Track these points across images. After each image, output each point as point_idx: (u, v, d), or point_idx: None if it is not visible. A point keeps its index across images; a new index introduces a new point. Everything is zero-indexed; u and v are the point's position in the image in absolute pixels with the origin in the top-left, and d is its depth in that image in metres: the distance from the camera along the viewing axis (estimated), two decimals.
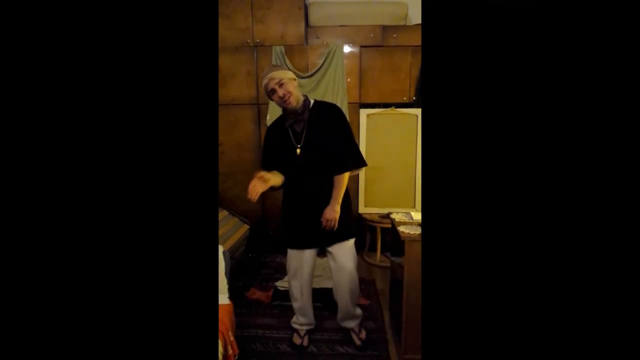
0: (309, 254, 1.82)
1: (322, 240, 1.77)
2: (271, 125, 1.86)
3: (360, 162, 1.75)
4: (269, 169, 1.74)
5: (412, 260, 1.70)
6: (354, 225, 1.87)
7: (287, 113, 1.71)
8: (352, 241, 1.81)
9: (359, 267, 1.91)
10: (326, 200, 1.70)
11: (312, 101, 1.75)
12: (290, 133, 1.73)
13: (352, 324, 1.94)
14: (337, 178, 1.71)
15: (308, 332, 1.99)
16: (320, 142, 1.69)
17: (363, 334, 1.96)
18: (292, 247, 1.84)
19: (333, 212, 1.68)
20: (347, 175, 1.72)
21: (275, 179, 1.68)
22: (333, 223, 1.69)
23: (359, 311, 1.94)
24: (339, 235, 1.76)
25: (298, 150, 1.71)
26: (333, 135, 1.69)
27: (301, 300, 1.92)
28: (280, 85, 1.61)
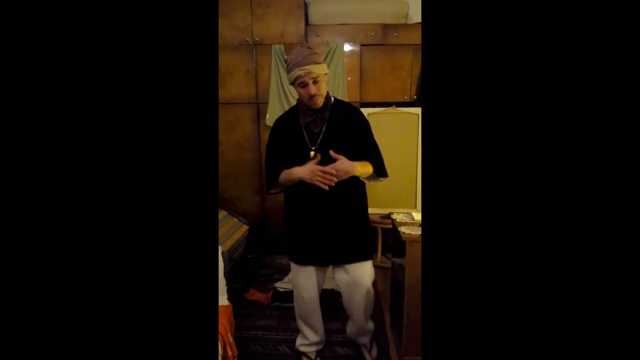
0: (316, 272, 1.61)
1: (336, 258, 1.55)
2: (280, 119, 1.60)
3: (383, 173, 1.55)
4: (275, 171, 1.53)
5: (413, 261, 1.68)
6: (372, 245, 1.66)
7: (305, 109, 1.48)
8: (369, 262, 1.61)
9: None
10: (341, 210, 1.50)
11: (332, 98, 1.53)
12: (305, 133, 1.50)
13: (364, 339, 1.78)
14: (364, 162, 1.49)
15: (318, 352, 1.78)
16: (338, 146, 1.43)
17: (375, 350, 1.80)
18: (299, 263, 1.61)
19: (349, 167, 1.40)
20: (370, 169, 1.51)
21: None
22: (342, 174, 1.39)
23: (371, 325, 1.77)
24: (356, 256, 1.55)
25: (312, 154, 1.46)
26: (354, 141, 1.48)
27: (307, 320, 1.71)
28: (315, 82, 1.38)
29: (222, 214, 2.82)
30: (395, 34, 2.85)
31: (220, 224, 2.62)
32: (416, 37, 2.84)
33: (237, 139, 3.00)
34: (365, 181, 1.57)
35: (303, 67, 1.36)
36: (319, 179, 1.38)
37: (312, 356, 1.78)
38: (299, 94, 1.44)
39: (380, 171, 1.54)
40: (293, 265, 1.66)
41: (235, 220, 2.85)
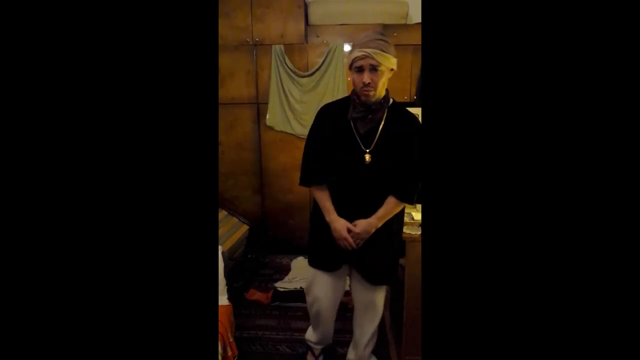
0: (338, 279, 1.48)
1: (358, 270, 1.45)
2: (327, 107, 1.43)
3: (415, 199, 1.39)
4: (316, 169, 1.39)
5: (413, 261, 1.68)
6: (395, 271, 1.51)
7: (355, 103, 1.32)
8: (385, 288, 1.54)
9: None
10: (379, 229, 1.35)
11: (391, 100, 1.37)
12: (355, 131, 1.33)
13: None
14: (393, 201, 1.35)
15: (323, 350, 1.75)
16: (393, 153, 1.31)
17: None
18: (319, 268, 1.47)
19: (369, 227, 1.31)
20: (399, 207, 1.38)
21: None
22: (359, 241, 1.33)
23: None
24: (376, 278, 1.44)
25: (367, 157, 1.30)
26: (407, 150, 1.31)
27: (320, 328, 1.62)
28: (374, 70, 1.23)
29: (222, 214, 2.82)
30: (395, 34, 2.85)
31: (220, 224, 2.62)
32: (416, 38, 2.83)
33: (237, 139, 3.00)
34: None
35: (364, 49, 1.20)
36: (344, 243, 1.32)
37: (317, 352, 1.76)
38: (353, 82, 1.28)
39: (411, 200, 1.38)
40: (313, 270, 1.51)
41: (235, 220, 2.85)
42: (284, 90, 2.87)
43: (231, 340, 1.54)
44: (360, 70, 1.24)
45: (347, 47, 2.84)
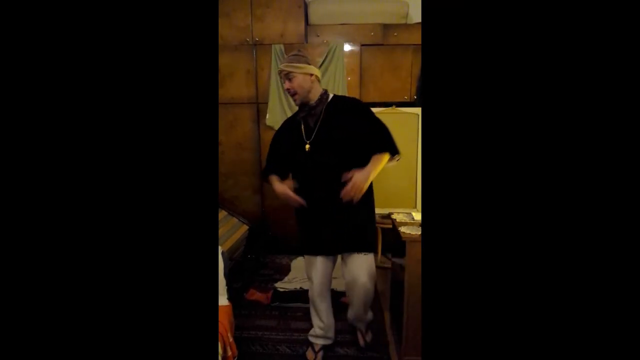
0: (321, 261, 1.67)
1: (334, 248, 1.64)
2: (287, 119, 1.76)
3: (396, 150, 1.55)
4: (273, 165, 1.71)
5: (413, 261, 1.68)
6: (372, 239, 1.69)
7: (300, 105, 1.60)
8: (369, 256, 1.64)
9: None
10: (336, 202, 1.51)
11: (330, 96, 1.62)
12: (302, 128, 1.62)
13: (360, 325, 1.90)
14: (374, 156, 1.51)
15: (323, 347, 1.84)
16: (332, 138, 1.54)
17: (369, 336, 1.94)
18: (305, 253, 1.72)
19: (363, 180, 1.44)
20: (385, 157, 1.52)
21: (286, 186, 1.62)
22: (355, 193, 1.45)
23: (370, 315, 1.88)
24: (353, 245, 1.61)
25: (307, 146, 1.57)
26: (353, 128, 1.53)
27: (316, 308, 1.78)
28: (289, 78, 1.54)
29: (222, 214, 2.81)
30: (395, 34, 2.85)
31: (220, 224, 2.62)
32: (416, 37, 2.83)
33: (237, 139, 3.00)
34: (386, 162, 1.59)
35: (280, 67, 1.57)
36: (289, 201, 1.58)
37: (317, 348, 1.83)
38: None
39: (393, 150, 1.55)
40: (306, 258, 1.75)
41: (235, 220, 2.85)
42: (283, 90, 2.87)
43: (231, 340, 1.54)
44: (283, 80, 1.58)
45: (347, 47, 2.84)
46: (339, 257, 1.72)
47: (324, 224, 1.60)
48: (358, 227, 1.60)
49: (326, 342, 1.84)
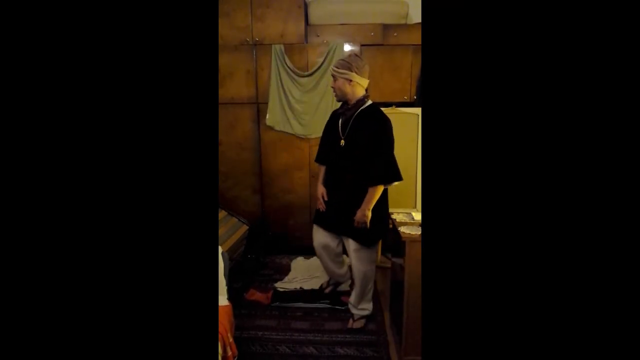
0: (321, 231, 2.08)
1: (333, 226, 2.02)
2: (334, 110, 2.06)
3: (392, 176, 1.82)
4: (321, 151, 2.07)
5: (413, 261, 1.68)
6: (374, 233, 1.92)
7: (341, 103, 1.92)
8: (362, 247, 1.91)
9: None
10: (346, 194, 1.87)
11: (368, 102, 1.89)
12: (340, 123, 1.92)
13: (352, 308, 2.08)
14: (371, 188, 1.80)
15: (332, 284, 2.37)
16: (354, 142, 1.84)
17: (360, 323, 2.08)
18: (313, 221, 2.14)
19: (362, 215, 1.81)
20: (380, 188, 1.81)
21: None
22: (362, 225, 1.83)
23: (369, 307, 2.09)
24: (347, 230, 1.92)
25: (342, 142, 1.88)
26: (368, 142, 1.80)
27: (323, 266, 2.24)
28: (334, 79, 1.85)
29: (222, 214, 2.81)
30: (395, 34, 2.85)
31: (220, 224, 2.62)
32: (416, 38, 2.83)
33: (237, 139, 3.00)
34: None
35: (332, 67, 1.88)
36: (318, 203, 2.03)
37: (329, 283, 2.40)
38: None
39: (382, 179, 1.80)
40: (314, 226, 2.13)
41: (235, 220, 2.84)
42: (283, 90, 2.87)
43: (231, 340, 1.54)
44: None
45: (347, 47, 2.84)
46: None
47: (331, 208, 1.96)
48: (347, 220, 1.88)
49: (334, 281, 2.35)
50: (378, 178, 1.79)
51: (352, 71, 1.80)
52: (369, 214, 1.80)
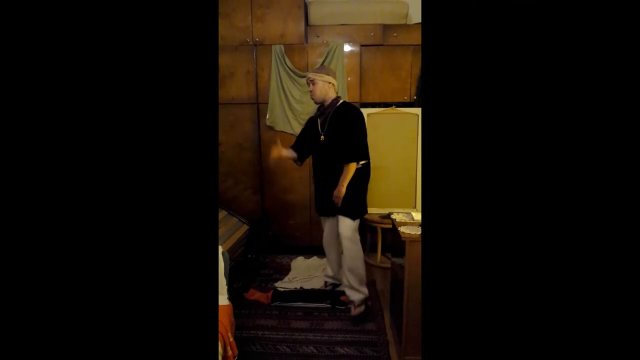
0: (328, 223, 2.34)
1: (327, 211, 2.27)
2: (311, 117, 2.37)
3: (361, 156, 2.13)
4: (296, 147, 2.31)
5: (412, 261, 1.68)
6: (355, 208, 2.20)
7: (318, 106, 2.22)
8: (350, 220, 2.17)
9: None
10: (335, 179, 2.12)
11: (341, 101, 2.19)
12: (319, 122, 2.22)
13: (349, 292, 2.24)
14: (344, 166, 2.10)
15: (332, 283, 2.53)
16: (331, 135, 2.15)
17: (359, 310, 2.18)
18: (319, 214, 2.39)
19: (337, 192, 2.11)
20: (352, 165, 2.09)
21: (289, 152, 2.28)
22: (337, 200, 2.11)
23: (364, 290, 2.22)
24: (337, 210, 2.20)
25: (322, 137, 2.19)
26: (344, 131, 2.10)
27: (328, 260, 2.48)
28: (312, 83, 2.14)
29: (222, 214, 2.81)
30: (395, 34, 2.85)
31: (220, 224, 2.62)
32: (416, 38, 2.83)
33: (237, 139, 3.00)
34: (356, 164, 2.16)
35: (307, 74, 2.20)
36: (282, 153, 2.26)
37: (327, 285, 2.52)
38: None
39: (359, 156, 2.13)
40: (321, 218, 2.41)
41: (235, 220, 2.85)
42: (283, 90, 2.87)
43: (231, 340, 1.54)
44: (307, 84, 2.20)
45: (347, 47, 2.84)
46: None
47: (324, 195, 2.21)
48: (344, 201, 2.14)
49: (334, 282, 2.51)
50: (350, 156, 2.10)
51: (329, 74, 2.15)
52: (343, 190, 2.09)
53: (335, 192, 2.11)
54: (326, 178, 2.20)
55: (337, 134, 2.12)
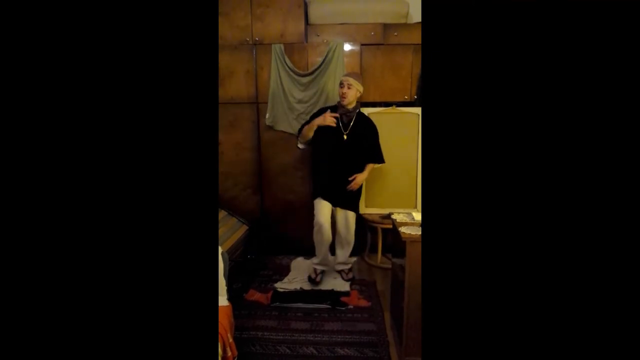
0: (325, 204, 2.52)
1: (337, 201, 2.54)
2: (323, 107, 2.60)
3: (381, 160, 2.57)
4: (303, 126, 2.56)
5: (413, 261, 1.68)
6: (357, 205, 2.65)
7: (339, 106, 2.44)
8: (353, 213, 2.60)
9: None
10: (349, 175, 2.46)
11: (359, 110, 2.53)
12: (340, 122, 2.44)
13: (341, 267, 2.68)
14: (366, 165, 2.52)
15: (322, 272, 2.67)
16: (357, 136, 2.47)
17: (351, 274, 2.67)
18: (318, 197, 2.54)
19: (355, 184, 2.48)
20: (372, 166, 2.54)
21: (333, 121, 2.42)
22: (356, 186, 2.49)
23: (351, 259, 2.70)
24: (347, 204, 2.56)
25: (345, 136, 2.45)
26: (366, 137, 2.50)
27: (317, 249, 2.58)
28: (349, 87, 2.37)
29: (222, 214, 2.81)
30: (395, 33, 2.85)
31: (220, 224, 2.62)
32: (416, 37, 2.83)
33: (237, 139, 3.00)
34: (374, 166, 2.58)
35: (343, 76, 2.45)
36: (328, 121, 2.40)
37: (318, 272, 2.63)
38: (339, 92, 2.44)
39: (380, 159, 2.57)
40: (315, 201, 2.55)
41: (235, 220, 2.84)
42: (283, 90, 2.86)
43: (231, 341, 1.54)
44: (342, 85, 2.41)
45: (347, 47, 2.84)
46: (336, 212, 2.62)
47: (336, 185, 2.49)
48: (351, 197, 2.54)
49: (324, 268, 2.66)
50: (376, 159, 2.54)
51: (360, 84, 2.42)
52: (362, 181, 2.50)
53: (354, 184, 2.48)
54: (344, 173, 2.48)
55: (362, 137, 2.47)
